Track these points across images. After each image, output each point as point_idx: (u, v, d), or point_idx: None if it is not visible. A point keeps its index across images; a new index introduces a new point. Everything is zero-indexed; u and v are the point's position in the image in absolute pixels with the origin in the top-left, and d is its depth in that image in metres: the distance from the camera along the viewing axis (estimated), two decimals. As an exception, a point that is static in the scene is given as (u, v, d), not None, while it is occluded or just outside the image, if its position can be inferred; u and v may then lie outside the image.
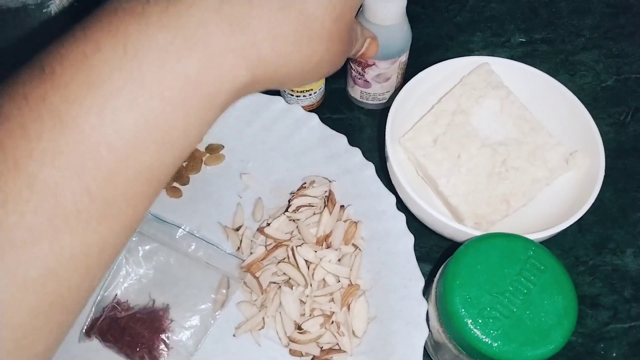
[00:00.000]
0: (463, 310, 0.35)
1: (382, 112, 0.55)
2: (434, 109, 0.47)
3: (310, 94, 0.53)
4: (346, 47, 0.28)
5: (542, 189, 0.45)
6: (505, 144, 0.46)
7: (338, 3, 0.25)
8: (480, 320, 0.34)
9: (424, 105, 0.48)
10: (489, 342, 0.34)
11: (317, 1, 0.24)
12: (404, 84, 0.47)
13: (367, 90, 0.52)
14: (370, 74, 0.50)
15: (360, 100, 0.54)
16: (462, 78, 0.48)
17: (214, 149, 0.51)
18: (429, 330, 0.41)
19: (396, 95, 0.46)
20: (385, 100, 0.54)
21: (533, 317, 0.34)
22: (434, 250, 0.48)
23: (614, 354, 0.44)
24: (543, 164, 0.45)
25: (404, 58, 0.49)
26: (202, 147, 0.51)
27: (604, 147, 0.44)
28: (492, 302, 0.35)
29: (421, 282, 0.43)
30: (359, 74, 0.51)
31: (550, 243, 0.49)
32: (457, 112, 0.47)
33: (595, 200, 0.51)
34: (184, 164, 0.50)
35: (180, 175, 0.49)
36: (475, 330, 0.34)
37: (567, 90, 0.46)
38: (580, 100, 0.46)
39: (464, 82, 0.47)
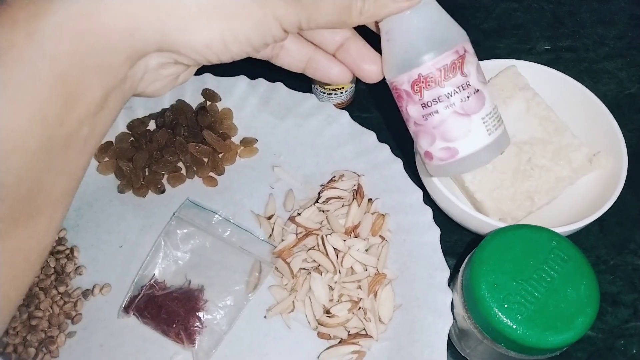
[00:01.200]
0: (489, 295, 0.36)
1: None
2: (462, 108, 0.49)
3: (341, 92, 0.55)
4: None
5: (565, 188, 0.47)
6: (530, 143, 0.47)
7: None
8: (505, 305, 0.36)
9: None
10: (514, 326, 0.35)
11: None
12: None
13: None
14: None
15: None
16: (489, 79, 0.50)
17: (248, 142, 0.53)
18: (454, 319, 0.42)
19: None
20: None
21: (556, 305, 0.36)
22: (458, 244, 0.50)
23: (634, 351, 0.45)
24: (567, 163, 0.47)
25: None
26: (237, 140, 0.54)
27: (627, 152, 0.46)
28: (517, 288, 0.36)
29: (447, 273, 0.44)
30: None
31: (573, 242, 0.50)
32: (484, 112, 0.48)
33: (617, 202, 0.52)
34: (220, 155, 0.52)
35: (217, 166, 0.52)
36: (500, 314, 0.36)
37: (591, 93, 0.48)
38: (604, 106, 0.48)
39: (491, 83, 0.49)
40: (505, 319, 0.35)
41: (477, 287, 0.37)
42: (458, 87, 0.29)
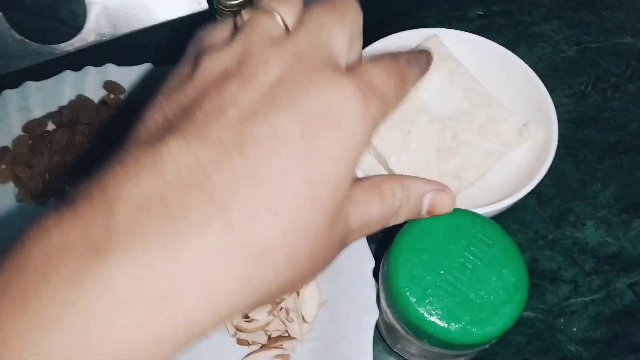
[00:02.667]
0: (407, 289, 0.33)
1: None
2: (382, 84, 0.46)
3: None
4: (329, 248, 0.22)
5: (495, 163, 0.44)
6: (455, 118, 0.44)
7: (296, 213, 0.20)
8: (424, 299, 0.33)
9: (372, 81, 0.47)
10: (434, 321, 0.32)
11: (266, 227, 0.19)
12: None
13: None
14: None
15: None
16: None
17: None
18: (380, 312, 0.40)
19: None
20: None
21: (480, 295, 0.33)
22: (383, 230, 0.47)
23: (574, 329, 0.43)
24: (495, 136, 0.44)
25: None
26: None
27: (564, 118, 0.43)
28: (438, 279, 0.33)
29: (371, 264, 0.41)
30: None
31: (509, 218, 0.47)
32: (406, 87, 0.45)
33: (555, 172, 0.50)
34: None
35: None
36: (419, 309, 0.32)
37: (518, 58, 0.45)
38: (540, 71, 0.45)
39: (412, 55, 0.46)
40: (425, 315, 0.32)
41: (394, 280, 0.33)
42: None
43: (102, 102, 0.49)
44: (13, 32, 0.52)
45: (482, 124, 0.44)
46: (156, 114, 0.21)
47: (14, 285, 0.17)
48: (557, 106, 0.44)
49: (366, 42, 0.49)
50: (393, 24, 0.58)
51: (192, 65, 0.22)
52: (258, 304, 0.20)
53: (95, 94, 0.50)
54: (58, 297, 0.16)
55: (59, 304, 0.16)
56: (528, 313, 0.44)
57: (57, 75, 0.50)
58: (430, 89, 0.45)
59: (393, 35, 0.46)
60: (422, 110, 0.44)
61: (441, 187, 0.28)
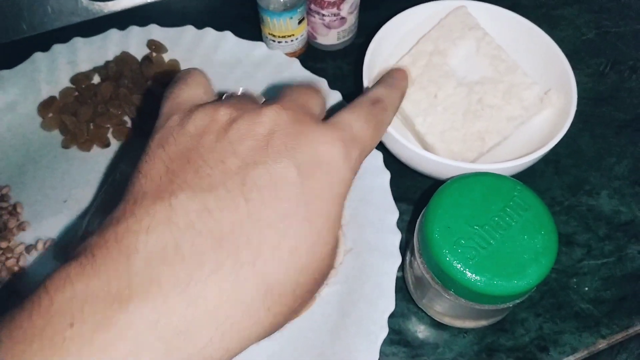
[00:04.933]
0: (440, 237, 0.35)
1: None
2: (411, 50, 0.48)
3: (292, 40, 0.53)
4: (329, 260, 0.24)
5: (517, 127, 0.46)
6: (481, 83, 0.46)
7: (301, 246, 0.22)
8: (456, 249, 0.34)
9: (402, 48, 0.49)
10: (463, 270, 0.34)
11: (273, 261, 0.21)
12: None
13: (344, 27, 0.53)
14: (344, 8, 0.51)
15: (339, 42, 0.56)
16: (439, 20, 0.49)
17: (197, 94, 0.52)
18: (410, 267, 0.41)
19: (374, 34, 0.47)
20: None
21: (510, 252, 0.34)
22: (410, 190, 0.49)
23: (586, 288, 0.45)
24: (518, 102, 0.46)
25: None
26: (185, 93, 0.52)
27: (583, 95, 0.45)
28: (471, 233, 0.35)
29: (396, 215, 0.44)
30: (334, 15, 0.52)
31: (527, 184, 0.49)
32: (434, 53, 0.47)
33: (573, 144, 0.52)
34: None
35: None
36: (450, 257, 0.34)
37: (541, 30, 0.47)
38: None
39: (441, 24, 0.48)
40: (455, 262, 0.34)
41: (430, 229, 0.35)
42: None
43: (146, 58, 0.52)
44: (66, -11, 0.55)
45: (505, 90, 0.46)
46: (157, 165, 0.23)
47: (43, 332, 0.18)
48: (576, 84, 0.46)
49: (394, 12, 0.51)
50: (419, 1, 0.61)
51: (182, 118, 0.24)
52: (265, 336, 0.22)
53: (139, 51, 0.53)
54: (85, 343, 0.18)
55: (86, 349, 0.18)
56: (542, 271, 0.46)
57: (104, 33, 0.53)
58: (457, 55, 0.47)
59: (422, 4, 0.49)
60: (449, 76, 0.47)
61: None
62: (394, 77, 0.35)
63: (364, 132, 0.27)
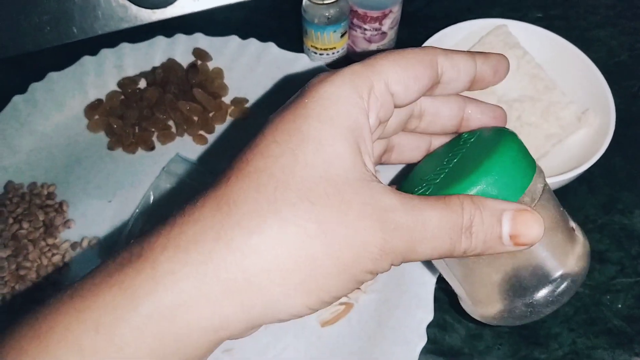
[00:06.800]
0: (409, 185, 0.30)
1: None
2: (452, 66, 0.49)
3: (333, 52, 0.55)
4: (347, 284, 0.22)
5: (554, 146, 0.47)
6: (520, 101, 0.47)
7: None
8: (422, 183, 0.29)
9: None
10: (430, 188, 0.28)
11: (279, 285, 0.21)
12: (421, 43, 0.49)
13: (384, 41, 0.55)
14: (386, 23, 0.52)
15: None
16: (480, 38, 0.50)
17: (238, 102, 0.53)
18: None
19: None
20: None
21: (468, 161, 0.27)
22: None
23: (619, 305, 0.46)
24: (556, 121, 0.47)
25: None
26: (227, 100, 0.54)
27: (616, 117, 0.46)
28: (433, 169, 0.29)
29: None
30: (376, 29, 0.53)
31: (561, 202, 0.50)
32: (474, 70, 0.49)
33: (606, 164, 0.52)
34: (211, 114, 0.52)
35: (207, 124, 0.52)
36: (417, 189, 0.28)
37: (579, 50, 0.49)
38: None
39: (482, 41, 0.49)
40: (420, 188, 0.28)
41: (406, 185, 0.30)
42: None
43: (192, 65, 0.53)
44: (118, -4, 0.57)
45: (544, 109, 0.47)
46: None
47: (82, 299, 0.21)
48: (612, 105, 0.47)
49: (430, 29, 0.53)
50: (457, 18, 0.62)
51: None
52: (298, 315, 0.22)
53: (184, 59, 0.55)
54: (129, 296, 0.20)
55: (132, 306, 0.20)
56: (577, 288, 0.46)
57: (151, 40, 0.55)
58: (497, 73, 0.48)
59: (463, 22, 0.50)
60: (489, 93, 0.48)
61: (522, 207, 0.23)
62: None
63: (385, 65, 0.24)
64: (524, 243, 0.23)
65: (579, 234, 0.30)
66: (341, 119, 0.22)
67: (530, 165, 0.27)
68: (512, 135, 0.28)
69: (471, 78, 0.27)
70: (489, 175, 0.25)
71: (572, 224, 0.30)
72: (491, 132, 0.30)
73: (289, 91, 0.53)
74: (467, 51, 0.27)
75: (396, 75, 0.24)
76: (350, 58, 0.58)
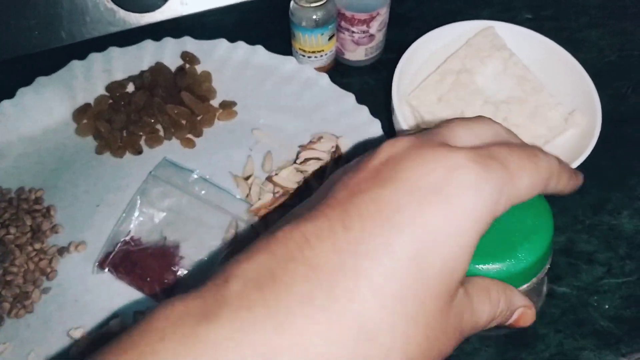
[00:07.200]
0: None
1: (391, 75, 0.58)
2: (440, 68, 0.49)
3: (322, 55, 0.55)
4: (445, 339, 0.21)
5: (542, 146, 0.47)
6: (507, 102, 0.47)
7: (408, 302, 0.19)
8: None
9: (430, 66, 0.51)
10: None
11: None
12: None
13: (372, 44, 0.55)
14: (374, 26, 0.52)
15: (367, 58, 0.57)
16: (467, 40, 0.50)
17: (227, 105, 0.53)
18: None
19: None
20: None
21: (498, 235, 0.30)
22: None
23: (607, 306, 0.45)
24: (543, 122, 0.47)
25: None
26: (216, 104, 0.54)
27: (604, 117, 0.46)
28: None
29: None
30: (363, 32, 0.53)
31: (549, 202, 0.50)
32: (462, 72, 0.49)
33: (594, 166, 0.52)
34: (199, 118, 0.52)
35: (195, 128, 0.52)
36: None
37: (566, 52, 0.49)
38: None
39: (469, 43, 0.49)
40: None
41: None
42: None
43: (180, 69, 0.53)
44: (105, 0, 0.57)
45: (531, 110, 0.47)
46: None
47: (136, 345, 0.19)
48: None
49: (420, 31, 0.53)
50: (447, 20, 0.62)
51: None
52: None
53: (172, 62, 0.55)
54: (170, 356, 0.18)
55: None
56: (563, 289, 0.46)
57: (139, 43, 0.55)
58: (485, 75, 0.49)
59: (450, 24, 0.50)
60: (476, 94, 0.48)
61: (530, 304, 0.27)
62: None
63: (508, 156, 0.21)
64: (519, 326, 0.27)
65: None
66: None
67: (549, 252, 0.32)
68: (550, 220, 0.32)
69: None
70: (518, 266, 0.30)
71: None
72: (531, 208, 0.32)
73: (277, 94, 0.53)
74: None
75: None
76: (338, 60, 0.58)
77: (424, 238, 0.19)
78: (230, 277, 0.20)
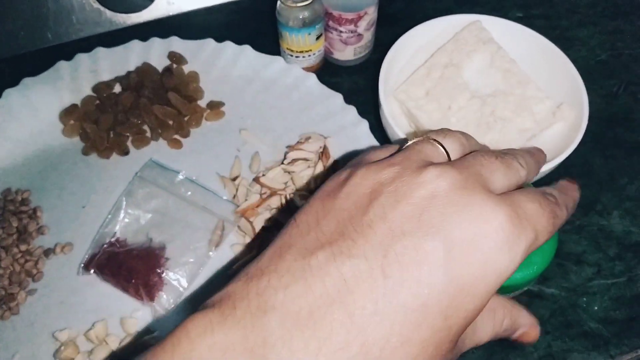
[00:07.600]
0: None
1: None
2: (426, 63, 0.49)
3: (309, 55, 0.54)
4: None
5: (529, 140, 0.47)
6: (493, 96, 0.47)
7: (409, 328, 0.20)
8: None
9: (417, 61, 0.50)
10: None
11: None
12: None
13: (360, 43, 0.54)
14: (362, 25, 0.52)
15: (355, 58, 0.57)
16: (454, 34, 0.50)
17: (214, 106, 0.53)
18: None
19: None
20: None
21: None
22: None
23: (596, 308, 0.45)
24: (530, 115, 0.47)
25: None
26: (203, 104, 0.53)
27: (595, 116, 0.46)
28: None
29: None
30: (351, 31, 0.53)
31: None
32: (448, 66, 0.48)
33: (585, 165, 0.52)
34: (186, 118, 0.52)
35: (182, 128, 0.51)
36: None
37: (554, 45, 0.48)
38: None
39: (456, 37, 0.49)
40: None
41: None
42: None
43: (167, 69, 0.53)
44: (91, 1, 0.57)
45: (518, 103, 0.47)
46: (310, 217, 0.22)
47: None
48: (589, 104, 0.47)
49: (410, 29, 0.52)
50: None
51: (349, 173, 0.23)
52: None
53: (159, 62, 0.54)
54: None
55: None
56: (552, 290, 0.46)
57: (126, 44, 0.55)
58: (471, 68, 0.48)
59: (437, 19, 0.50)
60: (463, 88, 0.47)
61: (535, 323, 0.27)
62: (565, 186, 0.29)
63: (539, 218, 0.22)
64: (523, 343, 0.28)
65: None
66: None
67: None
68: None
69: None
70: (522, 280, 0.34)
71: None
72: None
73: (265, 94, 0.53)
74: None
75: None
76: (327, 60, 0.58)
77: (455, 294, 0.20)
78: (269, 308, 0.20)
